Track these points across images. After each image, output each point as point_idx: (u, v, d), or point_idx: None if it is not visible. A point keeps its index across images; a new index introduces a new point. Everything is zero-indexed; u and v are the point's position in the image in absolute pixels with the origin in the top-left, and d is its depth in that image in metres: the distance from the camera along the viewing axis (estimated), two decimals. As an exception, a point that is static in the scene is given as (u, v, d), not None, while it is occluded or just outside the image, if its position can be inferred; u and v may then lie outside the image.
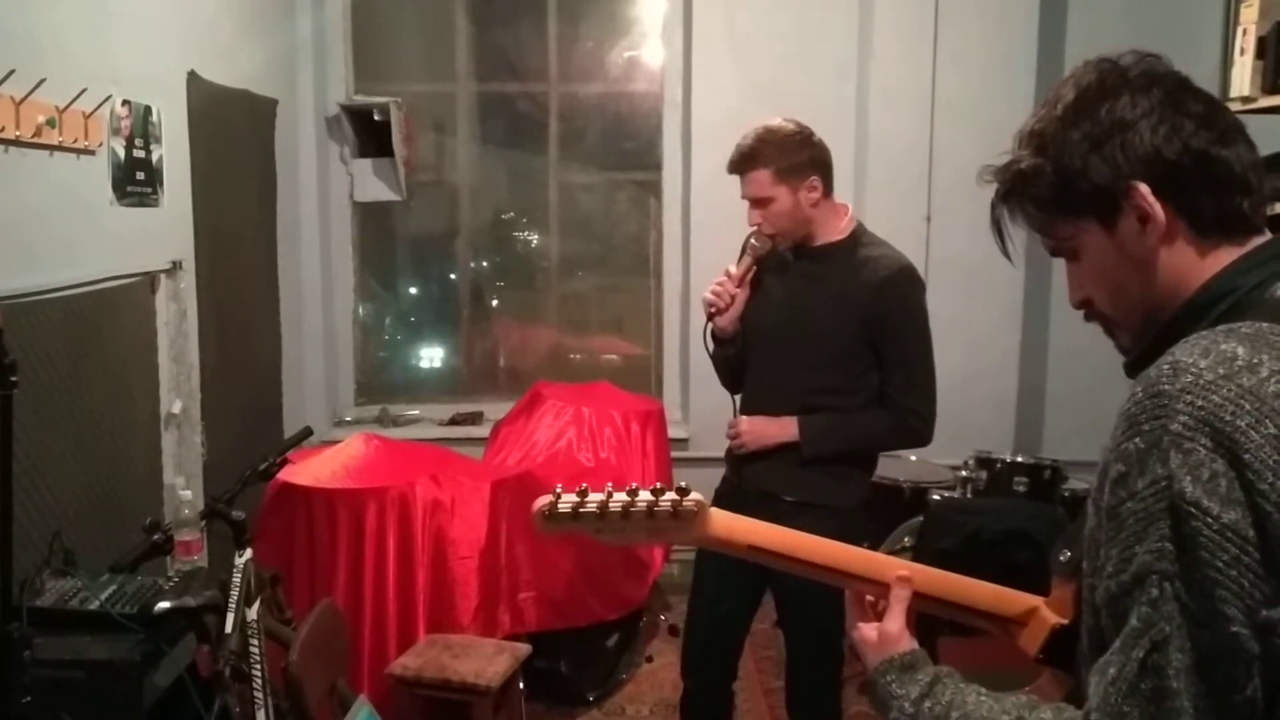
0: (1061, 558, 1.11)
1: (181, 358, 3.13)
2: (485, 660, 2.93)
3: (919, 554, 3.01)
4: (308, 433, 2.91)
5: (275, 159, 4.08)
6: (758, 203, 2.42)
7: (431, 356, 5.15)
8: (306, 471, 3.16)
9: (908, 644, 1.13)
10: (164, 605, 2.09)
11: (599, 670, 3.64)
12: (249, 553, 2.37)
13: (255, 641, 2.29)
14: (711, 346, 2.57)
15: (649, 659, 3.88)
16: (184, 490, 2.74)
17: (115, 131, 2.74)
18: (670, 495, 1.09)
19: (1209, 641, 0.83)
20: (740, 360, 2.57)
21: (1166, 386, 0.87)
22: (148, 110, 2.94)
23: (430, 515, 3.08)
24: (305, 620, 2.44)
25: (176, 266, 3.10)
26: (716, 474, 2.64)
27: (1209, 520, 0.83)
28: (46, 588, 2.13)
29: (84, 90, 2.50)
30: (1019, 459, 3.58)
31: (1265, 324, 0.91)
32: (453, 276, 5.03)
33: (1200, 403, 0.85)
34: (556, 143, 4.84)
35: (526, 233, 5.05)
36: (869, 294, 2.37)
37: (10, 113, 2.24)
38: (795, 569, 1.17)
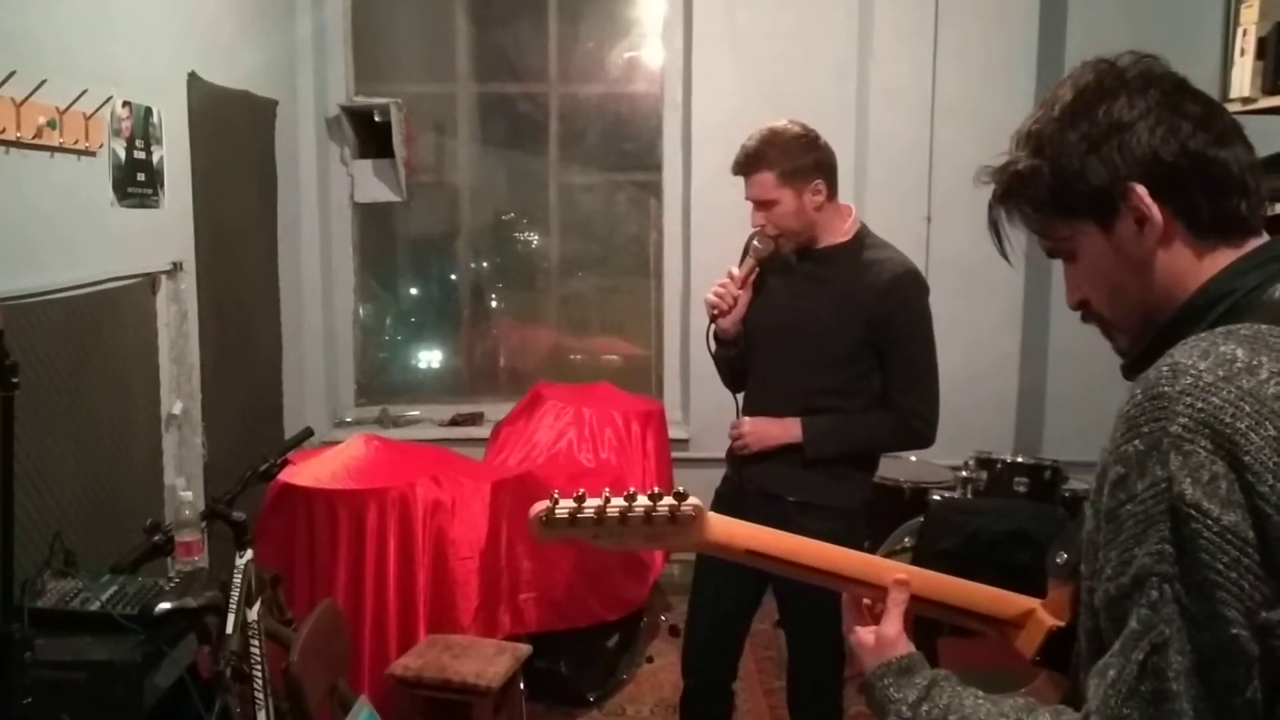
0: (1058, 560, 1.10)
1: (182, 358, 3.13)
2: (486, 661, 2.93)
3: (919, 554, 3.01)
4: (308, 433, 2.91)
5: (275, 160, 4.08)
6: (761, 205, 2.42)
7: (432, 357, 5.16)
8: (307, 472, 3.16)
9: (905, 647, 1.13)
10: (165, 606, 2.09)
11: (599, 671, 3.64)
12: (250, 553, 2.37)
13: (256, 642, 2.29)
14: (714, 347, 2.57)
15: (649, 659, 3.88)
16: (184, 491, 2.74)
17: (116, 133, 2.74)
18: (668, 500, 1.08)
19: (1209, 644, 0.83)
20: (742, 361, 2.57)
21: (1166, 388, 0.87)
22: (148, 111, 2.94)
23: (431, 516, 3.08)
24: (306, 621, 2.44)
25: (177, 267, 3.10)
26: (717, 475, 2.64)
27: (1209, 522, 0.83)
28: (47, 589, 2.14)
29: (85, 92, 2.51)
30: (1019, 459, 3.58)
31: (1264, 326, 0.91)
32: (453, 277, 5.03)
33: (1200, 405, 0.85)
34: (557, 143, 4.84)
35: (527, 233, 5.06)
36: (873, 297, 2.37)
37: (11, 114, 2.25)
38: (793, 573, 1.17)
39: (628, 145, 4.85)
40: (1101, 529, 0.91)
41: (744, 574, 2.52)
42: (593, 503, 1.07)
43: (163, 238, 3.07)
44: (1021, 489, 3.49)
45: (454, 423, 4.72)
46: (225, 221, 3.51)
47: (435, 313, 5.13)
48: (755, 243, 2.47)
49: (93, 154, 2.64)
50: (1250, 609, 0.82)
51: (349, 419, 4.78)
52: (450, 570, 3.10)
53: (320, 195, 4.58)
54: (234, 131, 3.66)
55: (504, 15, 4.81)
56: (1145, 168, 0.97)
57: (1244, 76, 2.90)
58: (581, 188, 4.93)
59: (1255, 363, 0.86)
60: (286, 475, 2.95)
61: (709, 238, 4.40)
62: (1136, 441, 0.87)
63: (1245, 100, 2.91)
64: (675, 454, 4.31)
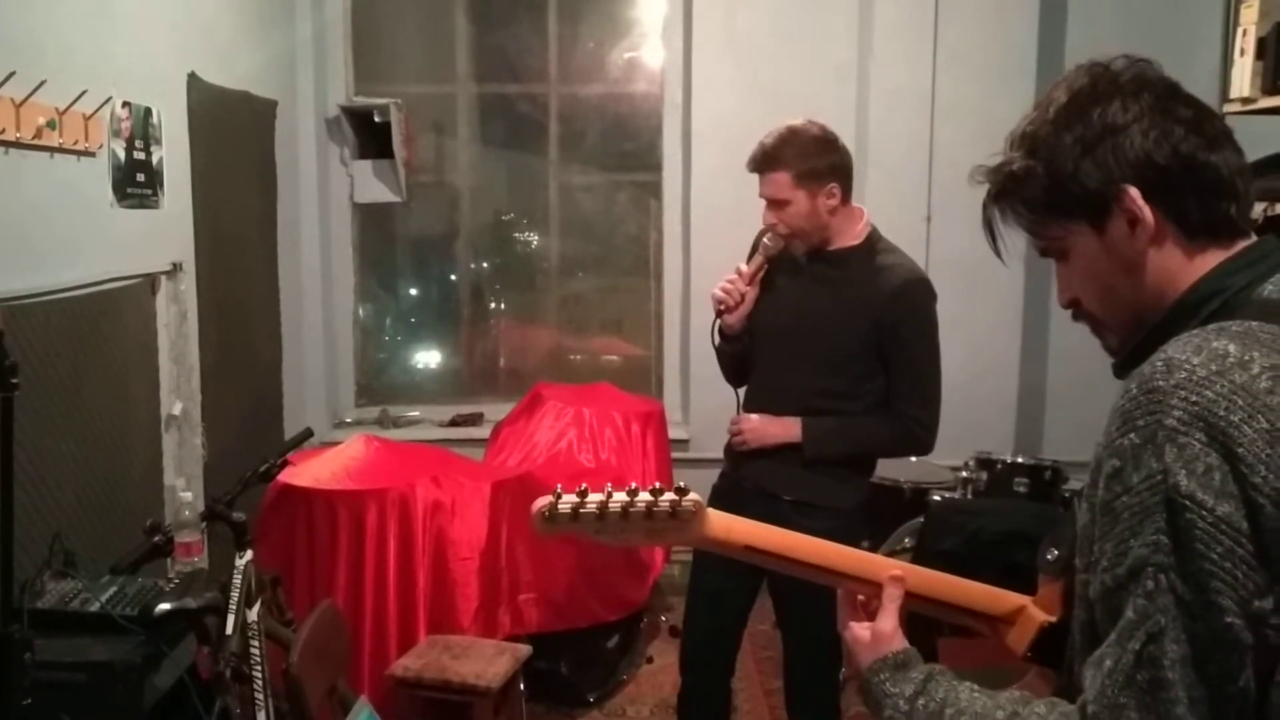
0: (1049, 556, 1.12)
1: (182, 359, 3.13)
2: (486, 661, 2.93)
3: (919, 554, 3.01)
4: (308, 434, 2.91)
5: (275, 160, 4.08)
6: (775, 204, 2.41)
7: (432, 358, 5.16)
8: (307, 473, 3.16)
9: (900, 643, 1.13)
10: (164, 607, 2.09)
11: (599, 671, 3.64)
12: (249, 554, 2.36)
13: (256, 643, 2.29)
14: (717, 341, 2.57)
15: (649, 660, 3.88)
16: (184, 492, 2.73)
17: (115, 133, 2.74)
18: (669, 496, 1.09)
19: (1203, 633, 0.85)
20: (745, 357, 2.57)
21: (1161, 383, 0.89)
22: (148, 112, 2.94)
23: (431, 516, 3.08)
24: (306, 621, 2.44)
25: (177, 268, 3.10)
26: (717, 475, 2.64)
27: (1204, 513, 0.85)
28: (47, 589, 2.14)
29: (84, 92, 2.51)
30: (1019, 460, 3.58)
31: (1254, 323, 0.93)
32: (453, 277, 5.03)
33: (1194, 398, 0.87)
34: (557, 144, 4.84)
35: (527, 234, 5.06)
36: (882, 302, 2.37)
37: (11, 115, 2.25)
38: (791, 569, 1.18)
39: (628, 145, 4.85)
40: (1097, 522, 0.93)
41: (740, 572, 2.52)
42: (595, 498, 1.08)
43: (162, 238, 3.07)
44: (1022, 489, 3.49)
45: (454, 423, 4.72)
46: (225, 222, 3.51)
47: (435, 313, 5.13)
48: (766, 240, 2.46)
49: (92, 154, 2.64)
50: (1243, 598, 0.84)
51: (349, 419, 4.78)
52: (450, 571, 3.09)
53: (320, 196, 4.58)
54: (234, 132, 3.66)
55: (504, 15, 4.81)
56: (1138, 170, 0.99)
57: (1244, 76, 2.90)
58: (581, 188, 4.93)
59: (1247, 358, 0.88)
60: (286, 476, 2.94)
61: (709, 238, 4.40)
62: (1132, 435, 0.89)
63: (1245, 100, 2.90)
64: (675, 454, 4.30)
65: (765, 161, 2.39)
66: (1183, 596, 0.85)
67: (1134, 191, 0.99)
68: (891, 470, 3.62)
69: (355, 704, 2.42)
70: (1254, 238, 1.02)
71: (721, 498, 2.48)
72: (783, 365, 2.49)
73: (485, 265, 5.05)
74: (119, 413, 2.73)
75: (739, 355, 2.58)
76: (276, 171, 4.09)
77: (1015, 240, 1.11)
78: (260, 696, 2.24)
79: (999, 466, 3.55)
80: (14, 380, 1.65)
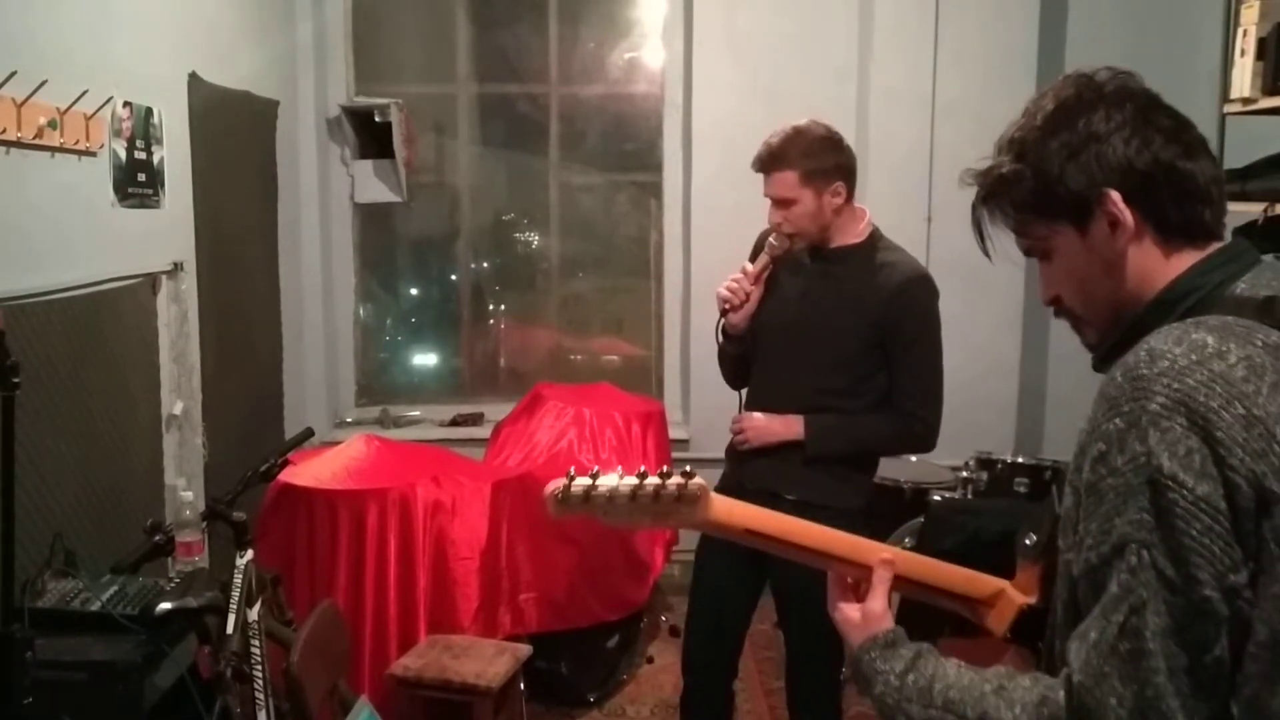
0: (1027, 541, 1.20)
1: (182, 359, 3.13)
2: (486, 661, 2.93)
3: (921, 554, 3.01)
4: (309, 434, 2.91)
5: (276, 160, 4.08)
6: (780, 203, 2.42)
7: (432, 358, 5.16)
8: (307, 472, 3.16)
9: (889, 622, 1.19)
10: (165, 606, 2.09)
11: (599, 671, 3.64)
12: (250, 554, 2.37)
13: (256, 642, 2.29)
14: (721, 340, 2.58)
15: (649, 660, 3.88)
16: (185, 491, 2.73)
17: (116, 133, 2.75)
18: (675, 479, 1.14)
19: (1182, 605, 0.90)
20: (746, 358, 2.58)
21: (1145, 371, 0.95)
22: (149, 112, 2.94)
23: (431, 516, 3.08)
24: (306, 621, 2.44)
25: (178, 268, 3.11)
26: (717, 474, 2.63)
27: (1185, 492, 0.90)
28: (48, 589, 2.14)
29: (85, 92, 2.51)
30: (1020, 460, 3.58)
31: (1230, 317, 0.99)
32: (453, 278, 5.03)
33: (1176, 385, 0.93)
34: (557, 144, 4.84)
35: (527, 234, 5.06)
36: (884, 299, 2.37)
37: (12, 114, 2.25)
38: (788, 553, 1.24)
39: (628, 146, 4.85)
40: (1082, 503, 0.98)
41: (743, 572, 2.53)
42: (605, 481, 1.13)
43: (163, 238, 3.07)
44: (1022, 489, 3.49)
45: (454, 423, 4.72)
46: (226, 222, 3.51)
47: (436, 313, 5.13)
48: (771, 240, 2.47)
49: (93, 154, 2.64)
50: (1220, 573, 0.90)
51: (349, 419, 4.78)
52: (450, 570, 3.10)
53: (321, 196, 4.58)
54: (235, 132, 3.66)
55: (504, 16, 4.81)
56: (1120, 175, 1.05)
57: (1244, 77, 2.90)
58: (582, 188, 4.93)
59: (1224, 349, 0.95)
60: (287, 475, 2.94)
61: (709, 238, 4.40)
62: (1117, 420, 0.95)
63: (1245, 101, 2.91)
64: (675, 454, 4.30)
65: (771, 161, 2.40)
66: (1163, 571, 0.91)
67: (1115, 195, 1.05)
68: (892, 470, 3.63)
69: (355, 704, 2.42)
70: (1226, 240, 1.08)
71: (723, 498, 2.48)
72: (784, 363, 2.50)
73: (486, 265, 5.05)
74: (120, 412, 2.73)
75: (741, 356, 2.58)
76: (277, 171, 4.09)
77: (999, 239, 1.16)
78: (261, 696, 2.24)
79: (999, 467, 3.55)
80: (15, 380, 1.65)
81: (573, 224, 4.94)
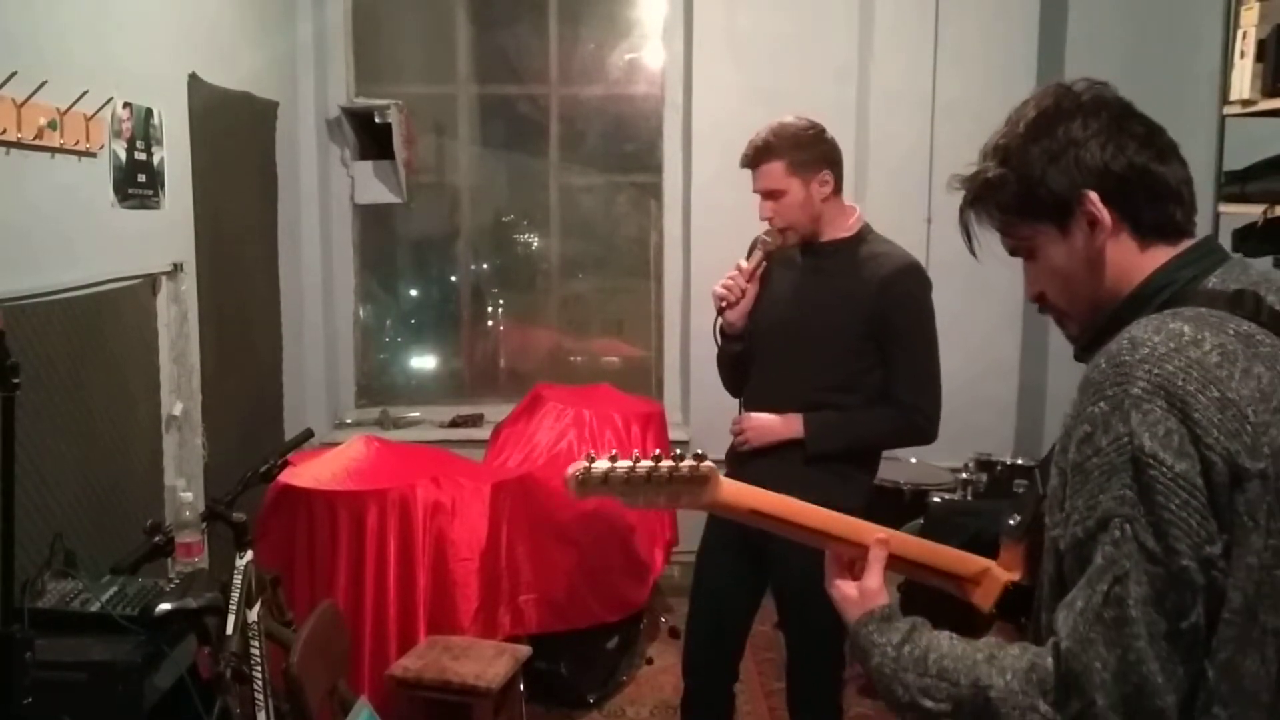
0: (1011, 522, 1.29)
1: (182, 359, 3.13)
2: (485, 662, 2.93)
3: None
4: (308, 435, 2.91)
5: (276, 161, 4.08)
6: (770, 195, 2.44)
7: (432, 359, 5.16)
8: (307, 473, 3.16)
9: (885, 598, 1.25)
10: (165, 607, 2.09)
11: (599, 672, 3.64)
12: (250, 554, 2.37)
13: (256, 643, 2.29)
14: (719, 341, 2.58)
15: (649, 661, 3.88)
16: (185, 492, 2.73)
17: (116, 134, 2.75)
18: (689, 461, 1.22)
19: (1162, 575, 0.97)
20: (745, 361, 2.58)
21: (1127, 357, 1.02)
22: (149, 112, 2.94)
23: (431, 517, 3.08)
24: (306, 622, 2.44)
25: (177, 268, 3.11)
26: (717, 475, 2.63)
27: (1164, 470, 0.97)
28: (48, 589, 2.13)
29: (85, 93, 2.51)
30: (1019, 461, 3.59)
31: (1204, 309, 1.07)
32: (453, 279, 5.03)
33: (1156, 371, 1.00)
34: (557, 145, 4.84)
35: (527, 235, 5.06)
36: (874, 290, 2.38)
37: (12, 115, 2.25)
38: (790, 532, 1.31)
39: (628, 146, 4.86)
40: (1068, 482, 1.05)
41: (744, 574, 2.53)
42: (623, 463, 1.21)
43: (163, 239, 3.07)
44: (1021, 491, 3.48)
45: (454, 424, 4.72)
46: (226, 222, 3.52)
47: (435, 314, 5.13)
48: (764, 236, 2.49)
49: (93, 155, 2.64)
50: (1197, 544, 0.97)
51: (349, 420, 4.78)
52: (450, 571, 3.09)
53: (321, 196, 4.58)
54: (235, 133, 3.66)
55: (504, 17, 4.82)
56: (1097, 177, 1.13)
57: (1244, 79, 2.91)
58: (582, 189, 4.94)
59: (1199, 337, 1.02)
60: (286, 476, 2.94)
61: (709, 239, 4.40)
62: (1101, 403, 1.02)
63: (1245, 102, 2.91)
64: (675, 455, 4.30)
65: (757, 155, 2.43)
66: (1145, 543, 0.98)
67: (1094, 196, 1.13)
68: (892, 472, 3.63)
69: (355, 704, 2.42)
70: (1196, 238, 1.16)
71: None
72: (780, 361, 2.50)
73: (485, 266, 5.05)
74: (119, 413, 2.73)
75: (739, 358, 2.58)
76: (277, 172, 4.09)
77: (985, 240, 1.24)
78: (260, 696, 2.24)
79: (999, 468, 3.55)
80: (15, 380, 1.65)
81: (573, 225, 4.94)
